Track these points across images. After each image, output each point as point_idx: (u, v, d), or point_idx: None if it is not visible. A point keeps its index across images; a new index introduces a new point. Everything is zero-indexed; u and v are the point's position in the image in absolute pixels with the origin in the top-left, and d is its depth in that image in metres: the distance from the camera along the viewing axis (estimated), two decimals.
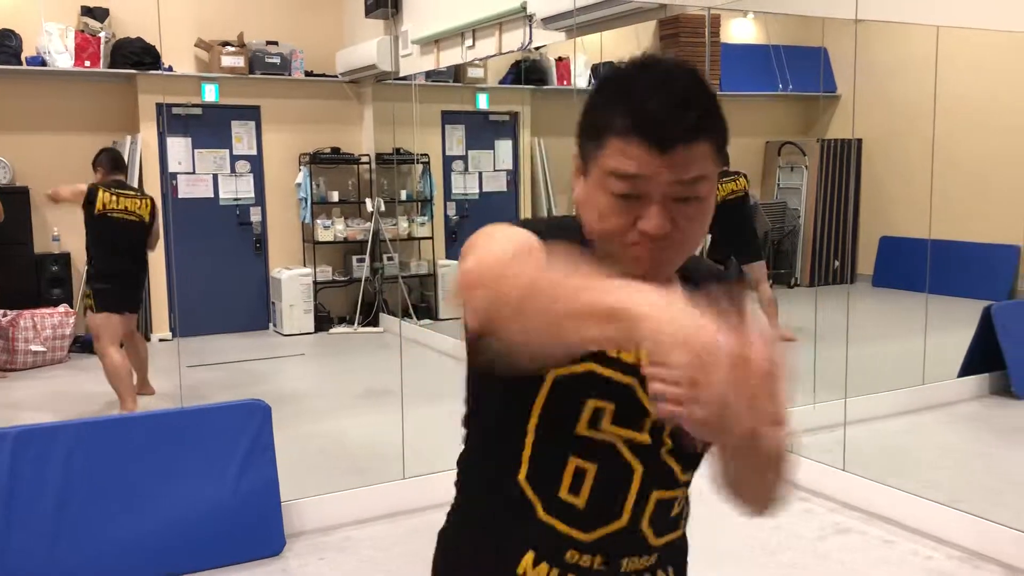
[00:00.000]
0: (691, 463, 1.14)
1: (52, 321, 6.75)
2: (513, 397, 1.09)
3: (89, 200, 5.18)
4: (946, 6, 5.63)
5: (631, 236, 1.04)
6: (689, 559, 1.26)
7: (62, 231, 7.34)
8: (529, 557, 1.12)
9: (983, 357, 5.38)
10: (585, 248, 1.05)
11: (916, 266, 5.83)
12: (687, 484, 1.16)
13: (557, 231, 1.09)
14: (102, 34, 7.16)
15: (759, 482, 1.04)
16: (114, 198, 5.20)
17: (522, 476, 1.11)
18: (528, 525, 1.11)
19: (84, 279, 5.39)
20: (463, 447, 1.22)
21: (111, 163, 5.37)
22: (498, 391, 1.10)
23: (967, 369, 5.46)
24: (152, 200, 5.38)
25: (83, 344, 7.06)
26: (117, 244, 5.20)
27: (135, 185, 5.66)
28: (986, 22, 5.71)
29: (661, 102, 1.01)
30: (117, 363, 5.05)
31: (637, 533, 1.11)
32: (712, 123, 1.05)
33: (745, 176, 6.86)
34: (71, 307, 7.05)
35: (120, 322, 5.22)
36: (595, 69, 7.83)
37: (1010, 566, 3.27)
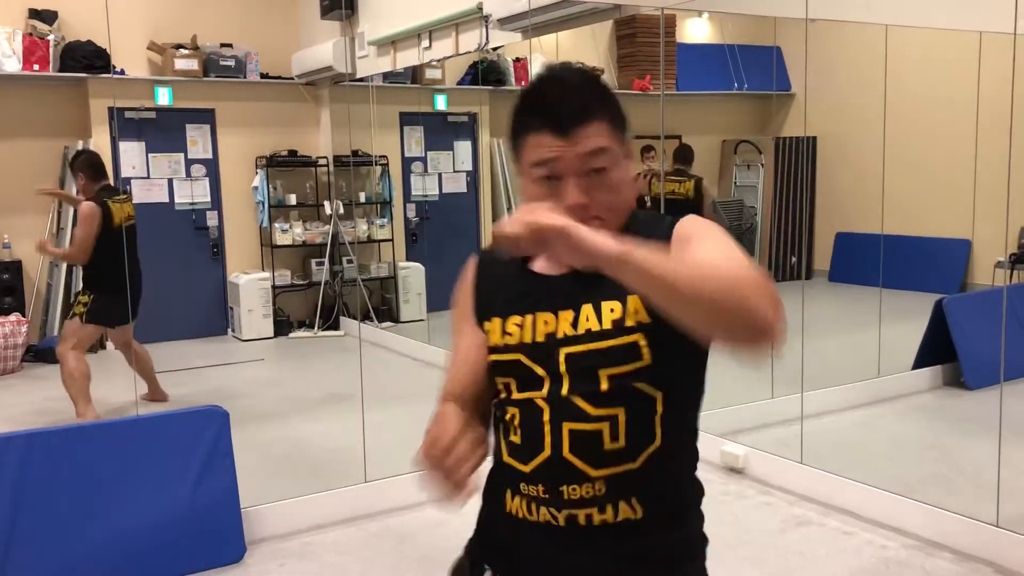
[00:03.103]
0: (599, 400, 1.29)
1: (3, 330, 6.61)
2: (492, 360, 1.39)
3: (107, 216, 4.98)
4: (895, 5, 5.73)
5: (563, 212, 1.20)
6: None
7: (12, 238, 7.20)
8: (508, 494, 1.36)
9: (936, 349, 5.49)
10: None
11: (871, 261, 5.92)
12: (610, 419, 1.29)
13: None
14: (51, 37, 7.03)
15: (693, 311, 1.13)
16: (120, 207, 5.09)
17: (492, 422, 1.39)
18: (503, 469, 1.37)
19: (84, 284, 5.20)
20: None
21: (93, 170, 5.14)
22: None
23: (921, 361, 5.57)
24: (130, 194, 5.27)
25: (37, 353, 6.93)
26: (128, 253, 4.94)
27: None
28: (934, 21, 5.82)
29: (555, 96, 1.28)
30: (73, 368, 4.96)
31: (563, 462, 1.30)
32: (601, 104, 1.29)
33: (699, 181, 6.84)
34: (23, 315, 6.91)
35: (99, 333, 5.10)
36: None
37: (961, 552, 3.34)
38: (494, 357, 1.37)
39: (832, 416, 4.91)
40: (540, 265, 1.38)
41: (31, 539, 3.11)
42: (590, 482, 1.29)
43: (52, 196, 5.14)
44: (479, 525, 1.46)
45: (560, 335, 1.32)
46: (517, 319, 1.36)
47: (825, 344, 5.95)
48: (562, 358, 1.31)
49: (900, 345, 5.64)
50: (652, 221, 1.37)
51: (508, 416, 1.36)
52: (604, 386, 1.29)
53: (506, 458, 1.36)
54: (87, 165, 5.18)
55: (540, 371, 1.32)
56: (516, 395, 1.35)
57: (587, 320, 1.30)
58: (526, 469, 1.32)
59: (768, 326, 1.11)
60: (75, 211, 5.33)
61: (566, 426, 1.30)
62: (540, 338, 1.33)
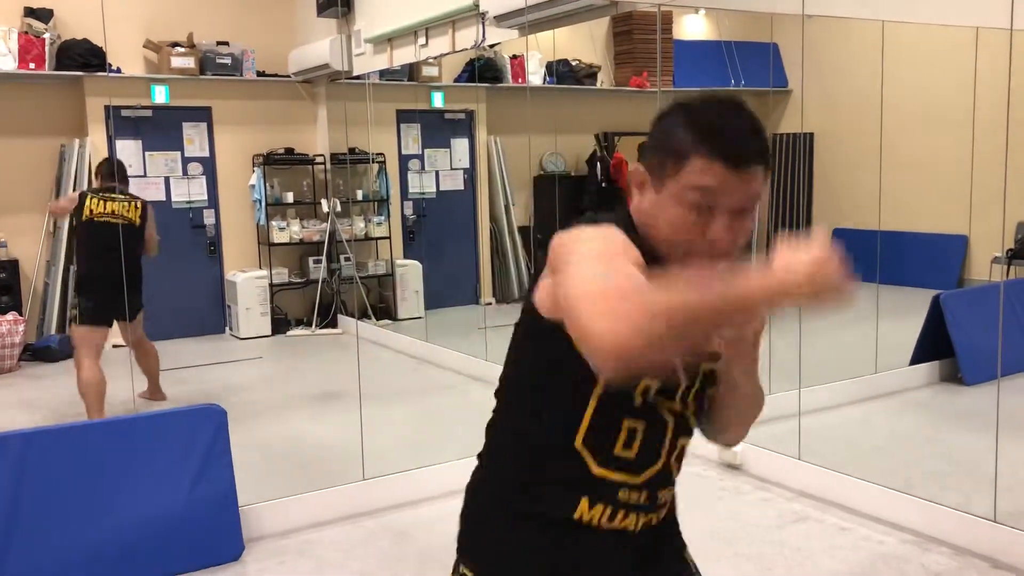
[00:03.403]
0: (698, 418, 1.43)
1: (1, 329, 6.60)
2: (580, 382, 1.27)
3: (79, 207, 5.13)
4: (891, 1, 5.72)
5: (699, 244, 1.24)
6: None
7: (9, 237, 7.19)
8: (584, 503, 1.33)
9: (933, 345, 5.50)
10: (630, 232, 1.26)
11: (868, 257, 5.92)
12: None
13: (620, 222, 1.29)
14: (47, 36, 7.01)
15: (748, 407, 1.41)
16: (101, 203, 5.11)
17: (579, 442, 1.31)
18: (581, 479, 1.32)
19: (76, 288, 5.33)
20: (502, 417, 1.43)
21: (108, 172, 5.33)
22: (567, 379, 1.29)
23: (918, 357, 5.57)
24: (144, 203, 5.27)
25: (34, 352, 6.93)
26: (98, 249, 5.05)
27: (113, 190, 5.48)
28: (930, 17, 5.82)
29: (737, 130, 1.24)
30: (87, 377, 4.92)
31: (667, 470, 1.39)
32: (768, 152, 1.28)
33: None
34: (20, 314, 6.90)
35: (103, 335, 5.10)
36: (549, 66, 7.86)
37: (958, 547, 3.34)
38: None
39: (829, 412, 4.92)
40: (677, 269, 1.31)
41: (29, 537, 3.11)
42: (674, 484, 1.43)
43: (56, 212, 5.33)
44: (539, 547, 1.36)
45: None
46: None
47: (822, 340, 5.96)
48: (701, 374, 1.38)
49: (897, 341, 5.64)
50: None
51: (622, 429, 1.32)
52: (707, 404, 1.42)
53: (597, 470, 1.32)
54: (105, 169, 5.39)
55: (682, 379, 1.35)
56: (655, 398, 1.32)
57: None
58: (635, 481, 1.34)
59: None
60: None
61: (680, 441, 1.40)
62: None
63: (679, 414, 1.37)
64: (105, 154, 7.34)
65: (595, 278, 1.10)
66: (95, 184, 5.35)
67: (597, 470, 1.32)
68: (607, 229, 1.24)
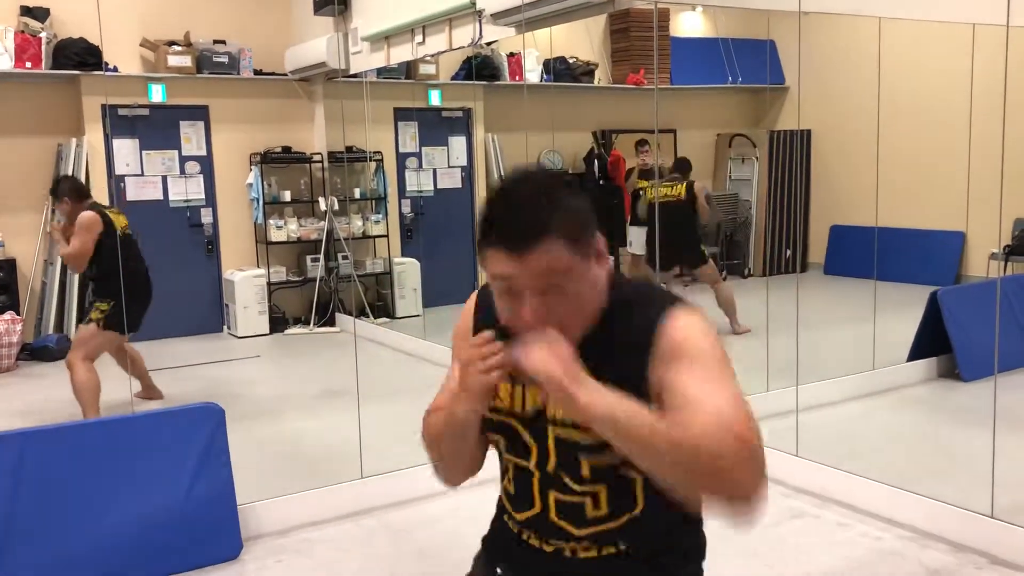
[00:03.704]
0: (581, 480, 1.34)
1: None
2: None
3: (108, 226, 4.95)
4: None
5: (523, 327, 1.25)
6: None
7: (7, 236, 7.18)
8: (510, 521, 1.45)
9: (931, 341, 5.50)
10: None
11: (865, 254, 5.93)
12: (592, 495, 1.34)
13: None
14: (43, 34, 7.00)
15: (684, 480, 1.20)
16: (116, 217, 5.07)
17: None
18: (503, 505, 1.47)
19: (98, 292, 5.05)
20: None
21: (77, 193, 5.07)
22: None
23: (915, 353, 5.58)
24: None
25: (32, 352, 6.92)
26: (136, 261, 5.02)
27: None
28: (927, 13, 5.83)
29: (507, 213, 1.24)
30: (83, 379, 4.89)
31: (549, 521, 1.38)
32: (554, 219, 1.22)
33: (690, 184, 6.83)
34: (17, 314, 6.90)
35: (110, 341, 5.07)
36: (547, 64, 7.86)
37: (956, 543, 3.35)
38: (491, 415, 1.40)
39: (827, 408, 4.92)
40: None
41: (28, 537, 3.11)
42: (576, 540, 1.37)
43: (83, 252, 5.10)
44: (492, 528, 1.53)
45: (550, 414, 1.34)
46: (507, 384, 1.37)
47: (820, 337, 5.98)
48: (551, 438, 1.35)
49: (895, 337, 5.65)
50: (640, 308, 1.31)
51: (504, 464, 1.45)
52: (585, 472, 1.33)
53: (503, 495, 1.47)
54: (71, 190, 5.07)
55: (530, 441, 1.37)
56: (508, 457, 1.42)
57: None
58: (519, 517, 1.42)
59: (747, 499, 1.12)
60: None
61: (552, 494, 1.37)
62: (530, 410, 1.36)
63: (543, 469, 1.36)
64: (102, 153, 7.35)
65: None
66: (62, 207, 5.06)
67: (503, 494, 1.46)
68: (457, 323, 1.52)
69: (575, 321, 1.28)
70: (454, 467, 1.46)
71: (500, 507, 1.50)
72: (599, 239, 1.30)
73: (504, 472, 1.45)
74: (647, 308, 1.30)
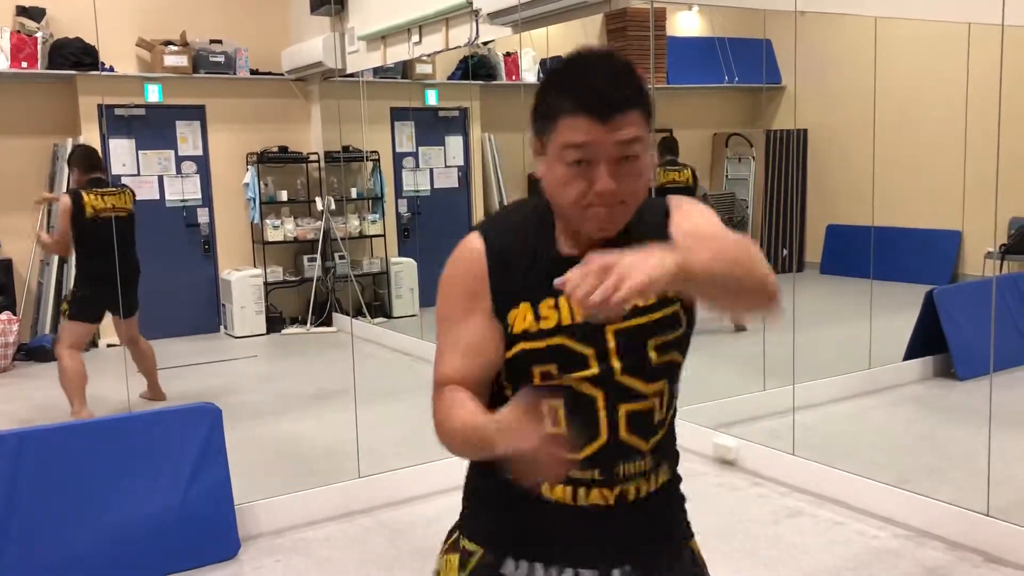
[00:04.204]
0: (650, 375, 1.34)
1: None
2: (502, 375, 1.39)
3: (77, 207, 4.96)
4: None
5: (588, 198, 1.27)
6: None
7: (3, 236, 7.17)
8: (545, 485, 1.35)
9: (927, 340, 5.51)
10: (547, 214, 1.37)
11: (861, 253, 5.94)
12: (659, 394, 1.36)
13: (506, 220, 1.43)
14: (39, 34, 6.99)
15: (734, 295, 1.24)
16: (99, 198, 5.05)
17: None
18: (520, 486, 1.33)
19: (75, 281, 5.24)
20: None
21: (86, 162, 5.17)
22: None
23: (911, 352, 5.59)
24: (131, 190, 5.27)
25: (28, 352, 6.91)
26: (104, 246, 4.92)
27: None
28: (923, 13, 5.84)
29: (597, 82, 1.26)
30: (68, 367, 4.94)
31: (621, 443, 1.34)
32: (639, 95, 1.28)
33: (692, 170, 6.86)
34: (14, 314, 6.88)
35: (90, 331, 5.11)
36: (543, 64, 7.86)
37: (952, 542, 3.36)
38: (527, 345, 1.33)
39: (824, 407, 4.93)
40: (566, 248, 1.36)
41: (25, 537, 3.10)
42: (643, 457, 1.36)
43: (45, 201, 5.20)
44: (483, 514, 1.45)
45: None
46: (550, 301, 1.33)
47: (816, 336, 5.98)
48: (610, 335, 1.32)
49: (891, 336, 5.66)
50: (648, 212, 1.39)
51: (547, 408, 1.32)
52: (654, 358, 1.33)
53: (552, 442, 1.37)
54: (80, 157, 5.24)
55: (587, 351, 1.32)
56: (559, 380, 1.32)
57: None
58: (578, 457, 1.30)
59: (776, 289, 1.25)
60: None
61: (623, 408, 1.33)
62: (580, 318, 1.30)
63: (608, 382, 1.32)
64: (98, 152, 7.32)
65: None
66: (73, 176, 5.16)
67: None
68: (449, 275, 1.41)
69: (634, 201, 1.31)
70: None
71: (512, 492, 1.32)
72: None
73: (562, 414, 1.32)
74: (653, 211, 1.39)
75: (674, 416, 1.43)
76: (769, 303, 1.26)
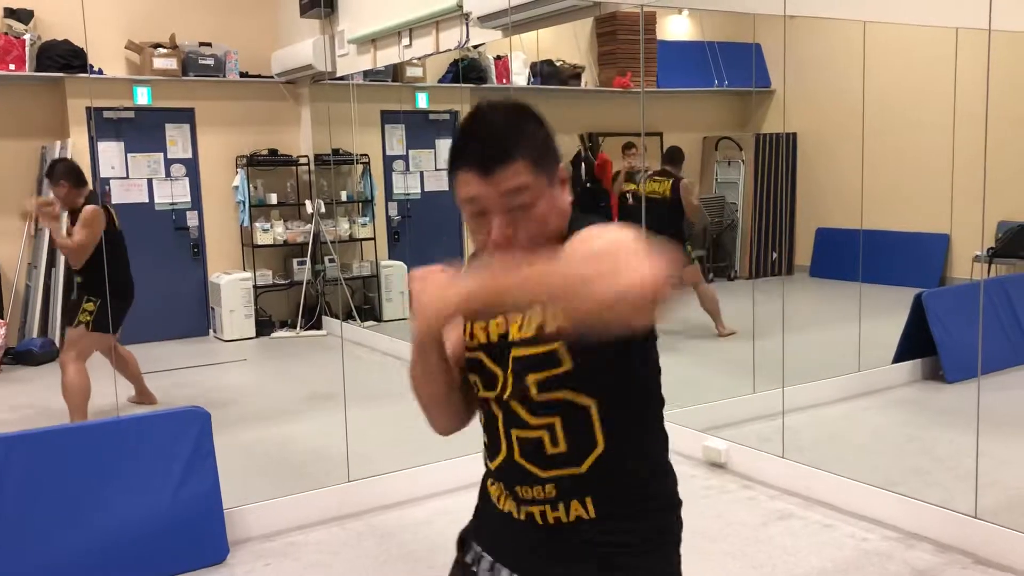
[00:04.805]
0: (534, 408, 1.36)
1: None
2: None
3: (109, 223, 4.91)
4: (873, 2, 5.77)
5: (491, 246, 1.33)
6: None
7: None
8: (489, 483, 1.48)
9: (915, 343, 5.54)
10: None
11: (850, 256, 5.96)
12: (548, 427, 1.35)
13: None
14: (27, 36, 6.96)
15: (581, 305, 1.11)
16: (115, 213, 5.05)
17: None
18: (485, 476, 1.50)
19: (82, 292, 4.97)
20: None
21: (76, 177, 4.94)
22: None
23: (900, 355, 5.61)
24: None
25: (15, 355, 6.87)
26: (126, 259, 5.01)
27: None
28: (911, 17, 5.87)
29: (479, 136, 1.33)
30: (73, 380, 4.85)
31: (516, 464, 1.39)
32: (524, 144, 1.32)
33: (676, 181, 6.79)
34: (1, 318, 6.85)
35: (106, 342, 4.99)
36: (533, 67, 7.87)
37: (941, 544, 3.37)
38: (468, 354, 1.45)
39: (813, 410, 4.95)
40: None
41: (13, 541, 3.08)
42: (540, 484, 1.37)
43: (44, 207, 4.92)
44: (474, 514, 1.55)
45: (511, 336, 1.38)
46: (481, 321, 1.43)
47: (806, 339, 6.00)
48: (510, 359, 1.38)
49: (880, 339, 5.68)
50: (578, 226, 1.35)
51: (480, 417, 1.48)
52: (534, 392, 1.34)
53: (484, 450, 1.48)
54: (70, 172, 4.94)
55: (497, 370, 1.40)
56: (481, 393, 1.43)
57: (528, 323, 1.35)
58: (491, 467, 1.45)
59: (645, 295, 1.04)
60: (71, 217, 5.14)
61: (513, 432, 1.39)
62: (494, 337, 1.40)
63: (504, 405, 1.38)
64: (87, 156, 7.29)
65: None
66: (60, 191, 4.90)
67: (484, 451, 1.48)
68: None
69: (538, 243, 1.33)
70: (437, 413, 1.48)
71: (482, 486, 1.51)
72: (562, 169, 1.38)
73: (482, 424, 1.47)
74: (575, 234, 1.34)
75: (613, 459, 1.35)
76: (635, 312, 1.06)
